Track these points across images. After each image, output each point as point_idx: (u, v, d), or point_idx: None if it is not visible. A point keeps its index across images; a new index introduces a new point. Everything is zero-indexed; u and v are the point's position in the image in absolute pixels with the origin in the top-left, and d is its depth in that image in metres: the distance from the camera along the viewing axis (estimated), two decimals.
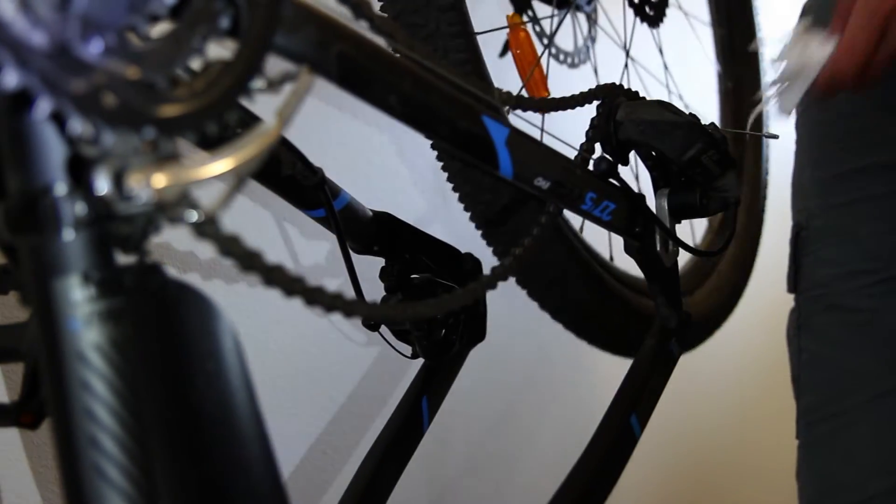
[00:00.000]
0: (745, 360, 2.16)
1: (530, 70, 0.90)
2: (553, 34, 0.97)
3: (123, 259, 0.35)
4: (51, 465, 0.77)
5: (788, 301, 1.03)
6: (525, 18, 0.95)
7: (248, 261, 0.38)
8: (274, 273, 0.39)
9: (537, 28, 0.96)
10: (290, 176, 0.66)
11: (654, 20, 1.07)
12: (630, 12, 1.06)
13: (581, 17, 1.05)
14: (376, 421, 1.08)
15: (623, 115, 0.74)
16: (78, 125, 0.31)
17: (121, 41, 0.33)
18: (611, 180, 0.70)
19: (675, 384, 1.18)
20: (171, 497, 0.36)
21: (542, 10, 1.00)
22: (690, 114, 0.75)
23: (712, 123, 0.75)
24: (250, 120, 0.59)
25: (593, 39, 1.05)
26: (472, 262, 0.79)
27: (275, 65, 0.40)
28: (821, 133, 0.96)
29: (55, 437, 0.34)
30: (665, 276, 0.78)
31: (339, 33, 0.43)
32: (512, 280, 0.88)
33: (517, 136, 0.56)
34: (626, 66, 1.09)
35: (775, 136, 0.84)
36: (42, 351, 0.33)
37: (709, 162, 0.75)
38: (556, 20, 0.97)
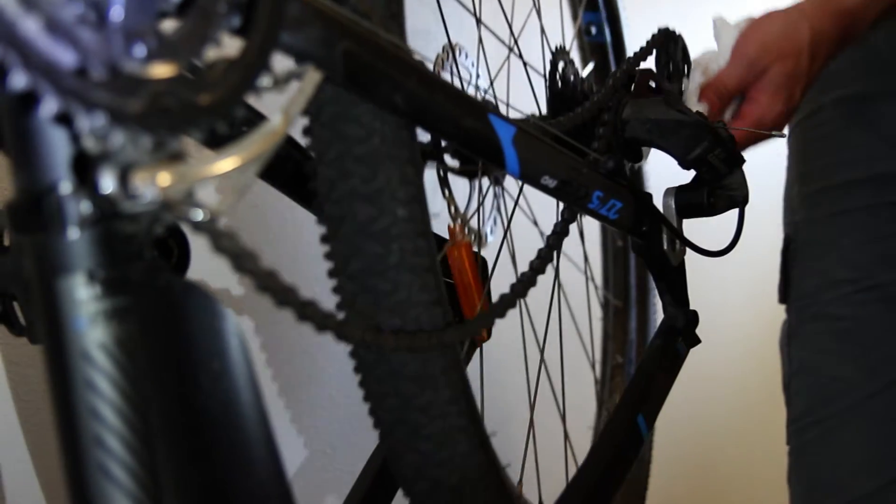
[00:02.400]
0: (742, 367, 2.16)
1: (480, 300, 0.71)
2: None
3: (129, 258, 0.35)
4: (54, 466, 0.77)
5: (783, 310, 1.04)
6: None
7: (241, 262, 0.37)
8: (269, 279, 0.39)
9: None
10: (294, 174, 0.66)
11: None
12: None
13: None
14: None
15: (629, 114, 0.73)
16: (85, 124, 0.31)
17: (160, 40, 0.32)
18: (618, 179, 0.70)
19: (676, 388, 1.18)
20: (176, 497, 0.36)
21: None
22: (697, 112, 0.75)
23: (720, 122, 0.75)
24: (256, 118, 0.59)
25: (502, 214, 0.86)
26: (480, 262, 0.79)
27: (280, 62, 0.39)
28: (808, 148, 1.00)
29: (59, 437, 0.33)
30: (672, 275, 0.78)
31: (344, 31, 0.43)
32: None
33: (524, 135, 0.56)
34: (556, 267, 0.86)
35: (783, 135, 0.83)
36: (46, 350, 0.33)
37: (715, 160, 0.74)
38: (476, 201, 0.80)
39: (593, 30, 1.16)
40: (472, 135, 0.52)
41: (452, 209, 0.77)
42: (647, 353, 0.78)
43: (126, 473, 0.33)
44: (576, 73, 0.78)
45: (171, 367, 0.37)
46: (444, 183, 0.79)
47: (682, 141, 0.73)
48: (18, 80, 0.28)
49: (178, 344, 0.37)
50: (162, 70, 0.32)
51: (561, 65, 0.76)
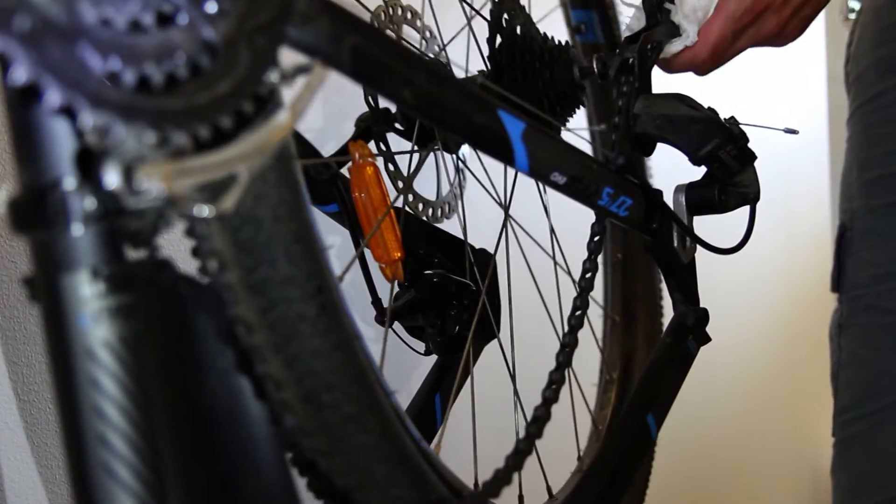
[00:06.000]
0: (752, 360, 2.15)
1: (377, 223, 0.66)
2: (412, 176, 0.73)
3: (134, 254, 0.34)
4: (55, 465, 0.77)
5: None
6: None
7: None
8: None
9: (391, 167, 0.72)
10: (303, 170, 0.65)
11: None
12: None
13: (449, 159, 0.82)
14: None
15: (640, 109, 0.73)
16: (89, 118, 0.30)
17: None
18: (628, 176, 0.69)
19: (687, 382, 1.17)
20: (181, 496, 0.36)
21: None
22: (709, 108, 0.74)
23: (732, 117, 0.74)
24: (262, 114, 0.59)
25: (461, 188, 0.83)
26: (486, 257, 0.79)
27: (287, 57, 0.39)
28: (869, 135, 0.97)
29: (63, 436, 0.33)
30: (682, 273, 0.77)
31: (352, 26, 0.42)
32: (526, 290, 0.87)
33: (533, 131, 0.55)
34: (504, 226, 0.81)
35: (795, 132, 0.82)
36: (50, 348, 0.33)
37: (727, 157, 0.74)
38: (416, 159, 0.75)
39: (583, 28, 1.08)
40: (482, 131, 0.52)
41: (391, 167, 0.73)
42: (657, 351, 0.77)
43: (130, 472, 0.33)
44: (527, 25, 0.75)
45: (176, 364, 0.37)
46: (382, 140, 0.74)
47: (694, 137, 0.72)
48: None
49: (182, 341, 0.37)
50: (238, 13, 0.33)
51: (505, 16, 0.72)
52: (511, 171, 0.78)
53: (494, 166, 0.81)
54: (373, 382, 0.45)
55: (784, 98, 2.28)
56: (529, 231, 0.87)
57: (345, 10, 0.42)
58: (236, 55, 0.33)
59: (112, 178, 0.31)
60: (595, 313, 1.09)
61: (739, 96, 1.79)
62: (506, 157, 0.54)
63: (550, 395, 0.56)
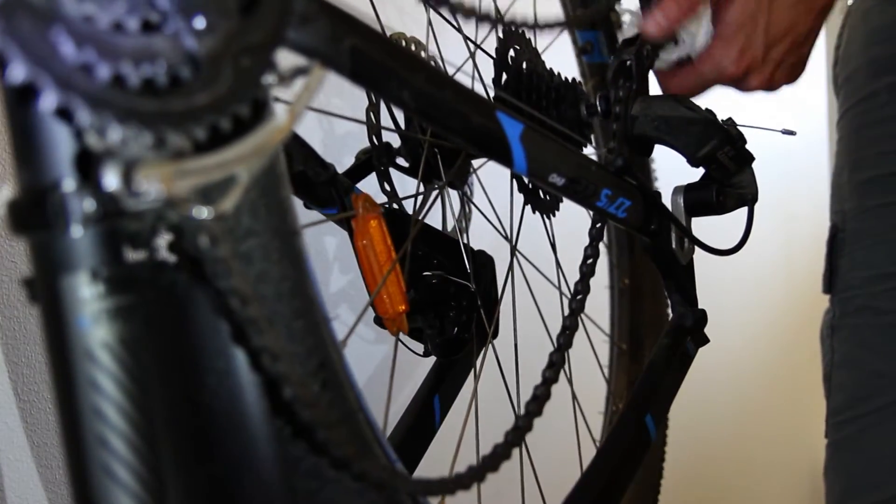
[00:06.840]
0: (751, 361, 2.15)
1: (383, 278, 0.64)
2: (420, 216, 0.73)
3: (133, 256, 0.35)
4: (55, 465, 0.77)
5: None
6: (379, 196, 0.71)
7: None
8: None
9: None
10: (302, 172, 0.65)
11: (549, 207, 0.77)
12: (519, 198, 0.76)
13: (454, 194, 0.83)
14: (387, 419, 1.07)
15: (638, 110, 0.73)
16: (52, 97, 0.30)
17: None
18: (626, 178, 0.69)
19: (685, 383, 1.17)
20: (180, 497, 0.36)
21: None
22: (707, 109, 0.74)
23: (730, 119, 0.74)
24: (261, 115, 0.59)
25: (467, 221, 0.83)
26: (485, 259, 0.79)
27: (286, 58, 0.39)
28: (861, 135, 0.97)
29: (63, 437, 0.33)
30: (680, 275, 0.77)
31: (351, 27, 0.42)
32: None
33: (532, 133, 0.55)
34: (511, 263, 0.80)
35: (792, 133, 0.82)
36: (49, 349, 0.33)
37: (724, 159, 0.74)
38: (421, 199, 0.75)
39: (590, 48, 1.09)
40: (481, 132, 0.52)
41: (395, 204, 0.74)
42: (655, 352, 0.77)
43: (130, 474, 0.33)
44: (534, 62, 0.76)
45: (176, 366, 0.37)
46: (385, 177, 0.75)
47: (692, 138, 0.73)
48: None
49: (182, 343, 0.37)
50: (227, 31, 0.33)
51: (511, 51, 0.73)
52: (517, 208, 0.78)
53: (500, 200, 0.81)
54: (377, 456, 0.45)
55: (782, 99, 2.28)
56: (535, 241, 0.87)
57: (344, 11, 0.42)
58: (219, 72, 0.33)
59: (111, 179, 0.31)
60: (600, 339, 1.09)
61: (737, 97, 1.79)
62: (504, 158, 0.54)
63: (551, 375, 0.57)
